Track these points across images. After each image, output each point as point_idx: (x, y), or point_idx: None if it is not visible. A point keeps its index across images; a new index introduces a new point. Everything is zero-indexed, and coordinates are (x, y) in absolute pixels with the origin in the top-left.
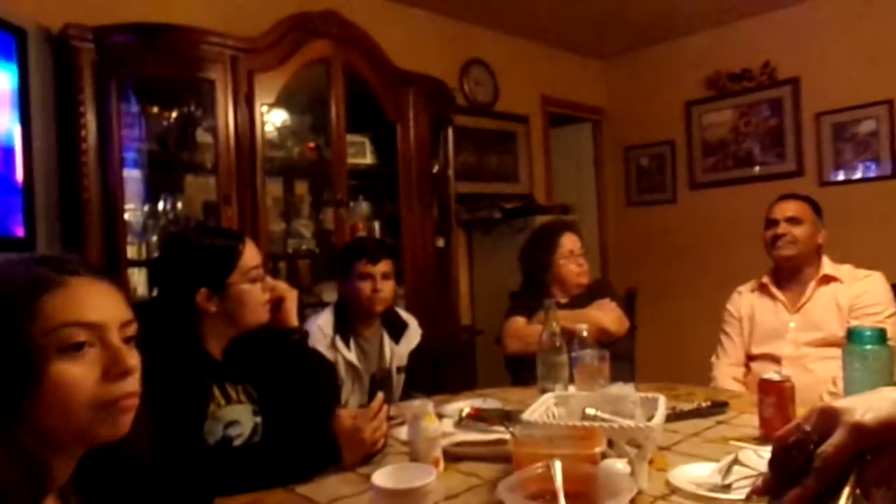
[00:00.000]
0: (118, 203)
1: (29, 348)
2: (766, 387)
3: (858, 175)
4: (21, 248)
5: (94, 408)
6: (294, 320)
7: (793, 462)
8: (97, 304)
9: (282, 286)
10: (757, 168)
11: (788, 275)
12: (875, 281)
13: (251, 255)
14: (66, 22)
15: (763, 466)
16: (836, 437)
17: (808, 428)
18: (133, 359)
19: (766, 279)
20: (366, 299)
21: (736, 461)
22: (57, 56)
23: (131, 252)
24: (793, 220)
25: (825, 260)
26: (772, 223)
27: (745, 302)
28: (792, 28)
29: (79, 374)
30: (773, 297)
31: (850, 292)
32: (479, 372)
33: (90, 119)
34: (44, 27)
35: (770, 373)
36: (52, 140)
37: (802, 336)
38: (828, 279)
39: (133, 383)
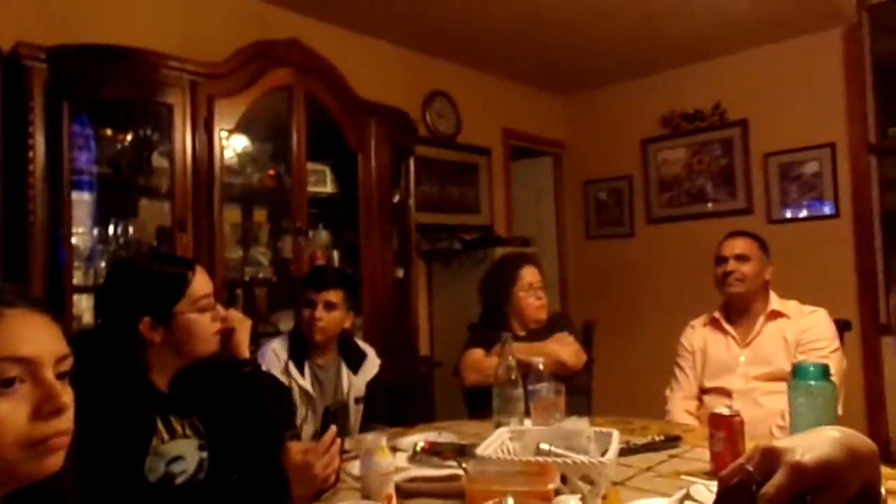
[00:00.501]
0: (65, 227)
1: None
2: (716, 421)
3: (804, 213)
4: None
5: (22, 447)
6: (245, 352)
7: (736, 502)
8: (32, 337)
9: (234, 316)
10: (710, 204)
11: (738, 310)
12: (820, 317)
13: (201, 283)
14: (17, 40)
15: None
16: (777, 479)
17: (750, 468)
18: (66, 396)
19: (717, 314)
20: (305, 325)
21: (687, 496)
22: (6, 75)
23: (78, 278)
24: (741, 258)
25: (772, 295)
26: (721, 260)
27: (698, 336)
28: (741, 72)
29: (7, 411)
30: (724, 331)
31: (796, 327)
32: (437, 404)
33: (39, 140)
34: None
35: (720, 407)
36: None
37: (752, 370)
38: (775, 314)
39: (65, 421)
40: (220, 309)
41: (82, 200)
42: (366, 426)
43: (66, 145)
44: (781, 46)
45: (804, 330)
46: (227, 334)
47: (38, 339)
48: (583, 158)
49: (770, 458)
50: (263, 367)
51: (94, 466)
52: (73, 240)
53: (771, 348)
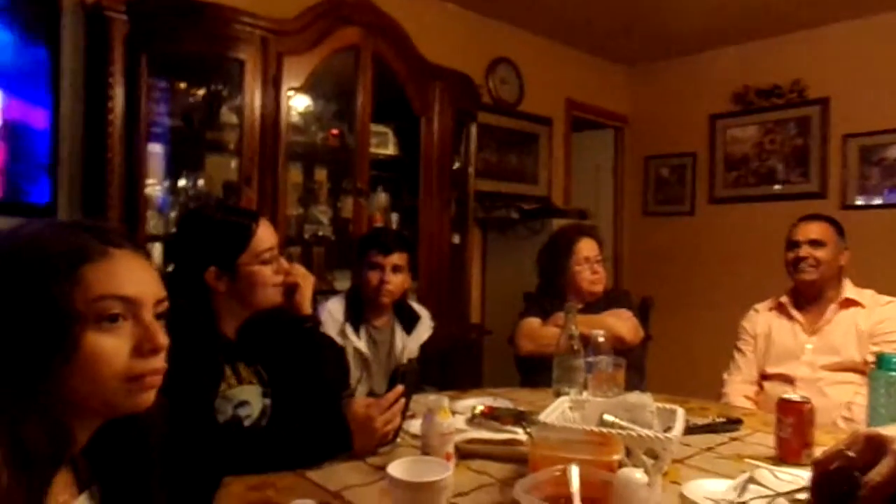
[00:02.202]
0: (140, 177)
1: (68, 314)
2: (785, 407)
3: (879, 201)
4: (42, 215)
5: (122, 380)
6: (308, 308)
7: (835, 488)
8: (136, 278)
9: (299, 271)
10: (778, 186)
11: (809, 297)
12: None
13: (265, 235)
14: None
15: (779, 487)
16: (885, 466)
17: (851, 454)
18: (163, 337)
19: (784, 299)
20: (373, 289)
21: (751, 480)
22: (89, 27)
23: (151, 226)
24: (815, 243)
25: (847, 283)
26: (793, 245)
27: (762, 320)
28: (826, 47)
29: (112, 346)
30: (790, 317)
31: (871, 318)
32: (485, 371)
33: (118, 92)
34: None
35: (789, 393)
36: (80, 111)
37: (819, 359)
38: (849, 303)
39: (160, 360)
40: (284, 262)
41: (155, 152)
42: (417, 388)
43: (143, 97)
44: (870, 22)
45: (880, 321)
46: (290, 289)
47: (141, 280)
48: (645, 133)
49: (875, 444)
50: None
51: (171, 405)
52: (146, 190)
53: (841, 338)
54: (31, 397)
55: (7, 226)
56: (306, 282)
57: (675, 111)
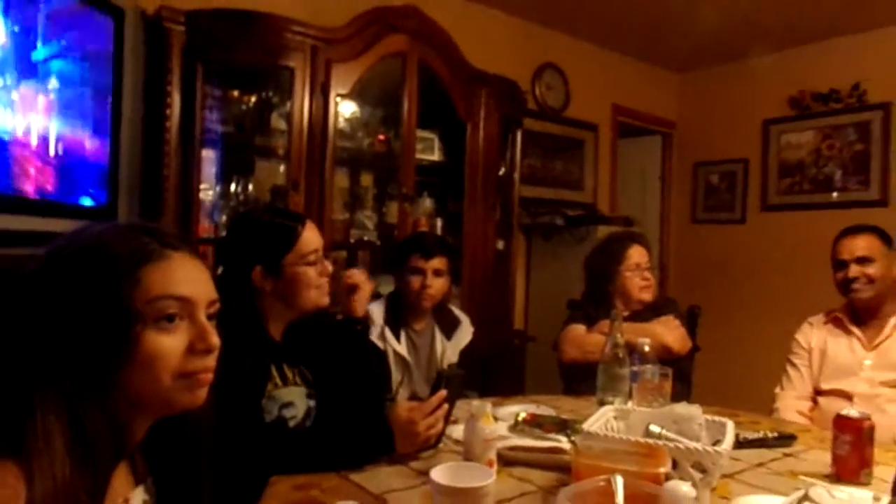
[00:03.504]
0: (195, 182)
1: (129, 314)
2: (842, 423)
3: None
4: (102, 217)
5: (176, 378)
6: (362, 310)
7: None
8: (191, 279)
9: (359, 275)
10: (836, 194)
11: (865, 313)
12: None
13: (311, 238)
14: (160, 4)
15: None
16: None
17: None
18: (215, 337)
19: (839, 313)
20: (414, 293)
21: (806, 498)
22: (149, 37)
23: (202, 230)
24: (863, 260)
25: None
26: (841, 264)
27: (817, 334)
28: (886, 50)
29: (169, 345)
30: (847, 332)
31: None
32: (527, 378)
33: (175, 99)
34: (140, 8)
35: (847, 409)
36: (139, 116)
37: (878, 375)
38: None
39: (212, 359)
40: (329, 265)
41: (208, 158)
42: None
43: (198, 105)
44: None
45: None
46: (350, 290)
47: (196, 281)
48: (694, 139)
49: None
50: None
51: (220, 404)
52: (200, 194)
53: None
54: (93, 393)
55: (68, 228)
56: (366, 286)
57: (726, 116)
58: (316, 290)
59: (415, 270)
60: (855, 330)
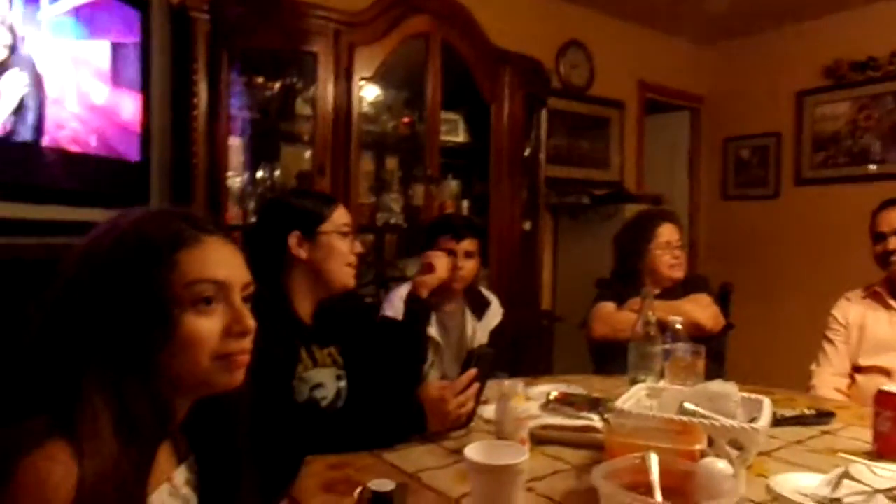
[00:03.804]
0: (222, 169)
1: (167, 298)
2: (884, 399)
3: None
4: (134, 200)
5: (214, 359)
6: (426, 293)
7: None
8: (226, 263)
9: (438, 258)
10: (873, 166)
11: None
12: None
13: (345, 211)
14: None
15: (877, 483)
16: None
17: None
18: (251, 319)
19: (878, 288)
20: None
21: (846, 475)
22: (175, 26)
23: (231, 217)
24: None
25: None
26: (880, 237)
27: (855, 310)
28: None
29: (206, 327)
30: (887, 306)
31: None
32: (555, 359)
33: (202, 88)
34: None
35: (889, 385)
36: (167, 107)
37: None
38: None
39: (248, 341)
40: (359, 245)
41: (234, 145)
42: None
43: (224, 92)
44: None
45: None
46: (422, 270)
47: (231, 264)
48: (724, 114)
49: None
50: (390, 314)
51: (253, 386)
52: (228, 181)
53: None
54: (136, 375)
55: (105, 217)
56: (441, 271)
57: (756, 89)
58: (346, 266)
59: (444, 252)
60: (894, 304)
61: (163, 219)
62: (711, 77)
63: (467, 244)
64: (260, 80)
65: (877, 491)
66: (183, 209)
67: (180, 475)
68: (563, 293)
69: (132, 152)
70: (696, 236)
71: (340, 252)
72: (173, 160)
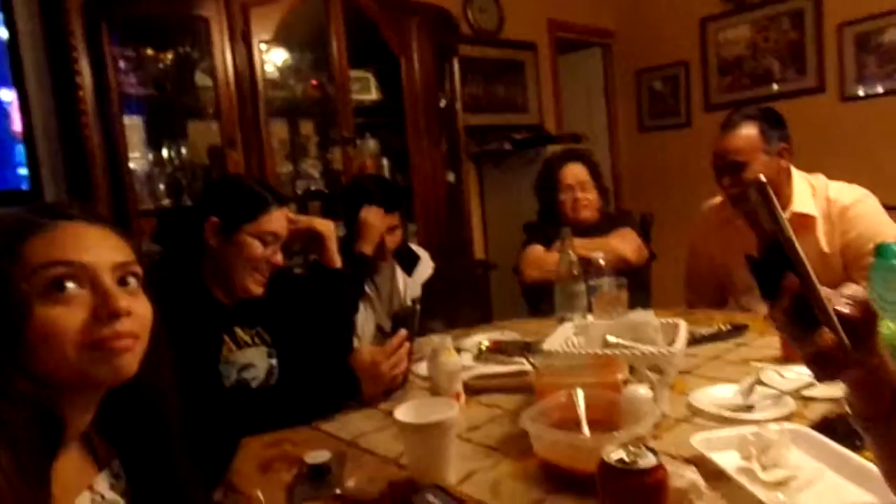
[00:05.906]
0: (121, 151)
1: (11, 293)
2: None
3: (881, 89)
4: (27, 202)
5: (83, 349)
6: (337, 260)
7: None
8: (86, 245)
9: (319, 221)
10: (775, 85)
11: None
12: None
13: (277, 221)
14: None
15: (786, 386)
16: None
17: None
18: (125, 300)
19: None
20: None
21: (758, 382)
22: (45, 6)
23: (140, 202)
24: (736, 165)
25: (796, 189)
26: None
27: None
28: None
29: (62, 315)
30: None
31: (837, 231)
32: (494, 305)
33: (83, 64)
34: None
35: None
36: (48, 88)
37: None
38: (802, 220)
39: (126, 324)
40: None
41: (133, 125)
42: (425, 327)
43: (110, 66)
44: None
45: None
46: (310, 240)
47: (94, 247)
48: (634, 47)
49: None
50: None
51: (177, 374)
52: (131, 164)
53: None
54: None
55: None
56: (329, 231)
57: (663, 19)
58: (253, 271)
59: None
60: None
61: (12, 214)
62: (619, 11)
63: (389, 219)
64: (149, 51)
65: (783, 393)
66: (41, 203)
67: (102, 481)
68: (495, 241)
69: (12, 141)
70: (617, 171)
71: (251, 256)
72: (66, 149)
